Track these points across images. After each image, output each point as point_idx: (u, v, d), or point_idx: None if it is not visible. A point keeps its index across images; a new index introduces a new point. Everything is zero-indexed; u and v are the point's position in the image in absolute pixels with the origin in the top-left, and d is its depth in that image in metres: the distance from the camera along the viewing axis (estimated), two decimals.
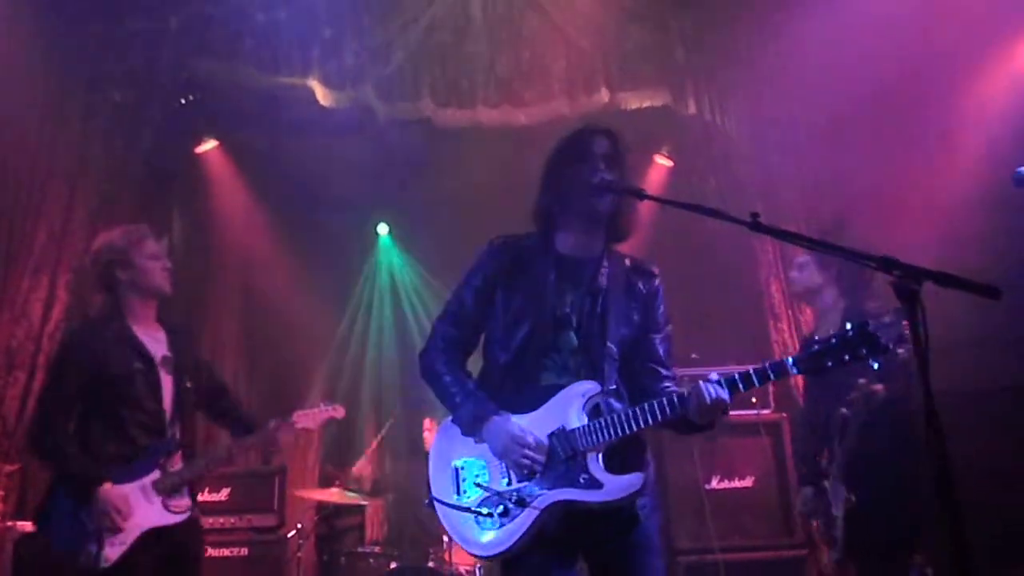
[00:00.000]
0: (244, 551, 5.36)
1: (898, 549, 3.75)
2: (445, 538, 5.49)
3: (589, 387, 2.45)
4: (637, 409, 2.38)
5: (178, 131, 6.17)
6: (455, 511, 2.47)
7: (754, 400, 5.39)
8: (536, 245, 2.61)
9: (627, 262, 2.63)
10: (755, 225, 2.06)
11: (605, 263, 2.59)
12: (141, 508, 3.25)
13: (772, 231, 2.08)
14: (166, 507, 3.32)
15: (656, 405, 2.37)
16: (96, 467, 3.23)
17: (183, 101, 5.96)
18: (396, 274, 8.01)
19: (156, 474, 3.31)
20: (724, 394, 2.32)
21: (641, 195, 2.47)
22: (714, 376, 2.36)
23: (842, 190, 5.72)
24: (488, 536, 2.40)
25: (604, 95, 5.85)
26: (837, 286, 3.95)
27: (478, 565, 5.34)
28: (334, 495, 6.04)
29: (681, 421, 2.40)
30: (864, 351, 2.22)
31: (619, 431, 2.37)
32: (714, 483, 5.28)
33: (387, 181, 7.04)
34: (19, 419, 4.89)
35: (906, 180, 5.32)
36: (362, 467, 6.28)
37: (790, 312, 5.70)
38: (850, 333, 2.24)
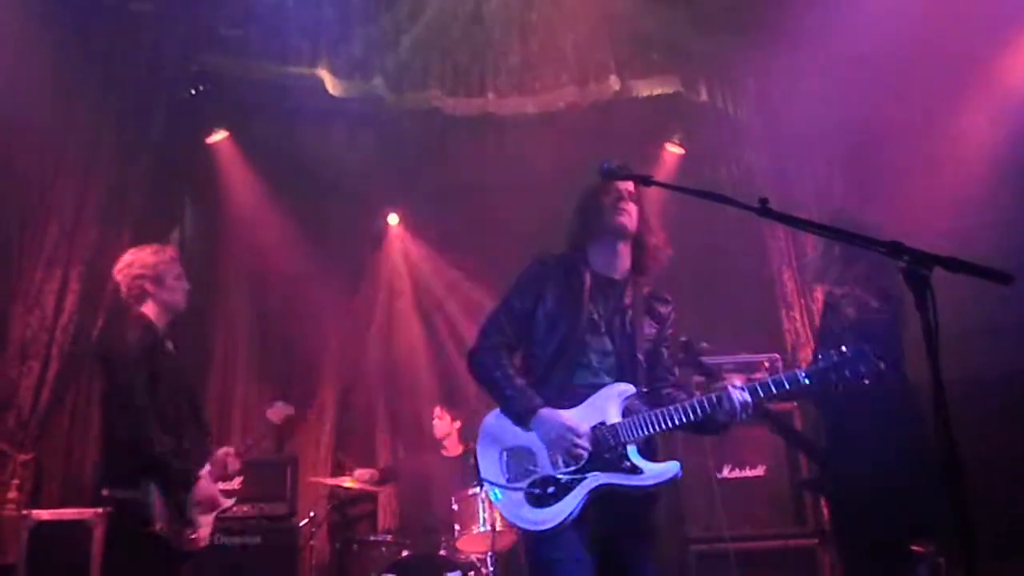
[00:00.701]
0: (257, 539, 5.40)
1: (887, 538, 3.72)
2: (456, 526, 5.51)
3: (625, 388, 2.82)
4: (672, 408, 2.72)
5: (188, 122, 6.18)
6: (507, 491, 2.79)
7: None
8: (573, 260, 2.97)
9: (646, 290, 3.00)
10: (764, 211, 2.05)
11: (630, 287, 2.95)
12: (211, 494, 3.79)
13: (780, 216, 2.06)
14: (222, 492, 3.89)
15: (689, 406, 2.71)
16: (191, 467, 3.70)
17: (192, 92, 5.97)
18: (407, 264, 7.99)
19: (208, 466, 3.81)
20: (748, 397, 2.67)
21: (648, 181, 2.48)
22: (738, 383, 2.71)
23: (854, 180, 5.68)
24: (540, 513, 2.71)
25: (615, 83, 5.82)
26: (842, 267, 3.91)
27: (489, 553, 5.35)
28: (346, 481, 6.07)
29: (705, 421, 2.72)
30: (862, 370, 2.61)
31: (658, 426, 2.71)
32: (725, 472, 5.27)
33: (397, 171, 7.03)
34: (33, 409, 4.94)
35: (919, 170, 5.26)
36: (361, 475, 6.31)
37: (802, 301, 5.67)
38: (849, 354, 2.64)
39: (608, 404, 2.79)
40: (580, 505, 2.66)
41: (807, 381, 2.65)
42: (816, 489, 4.15)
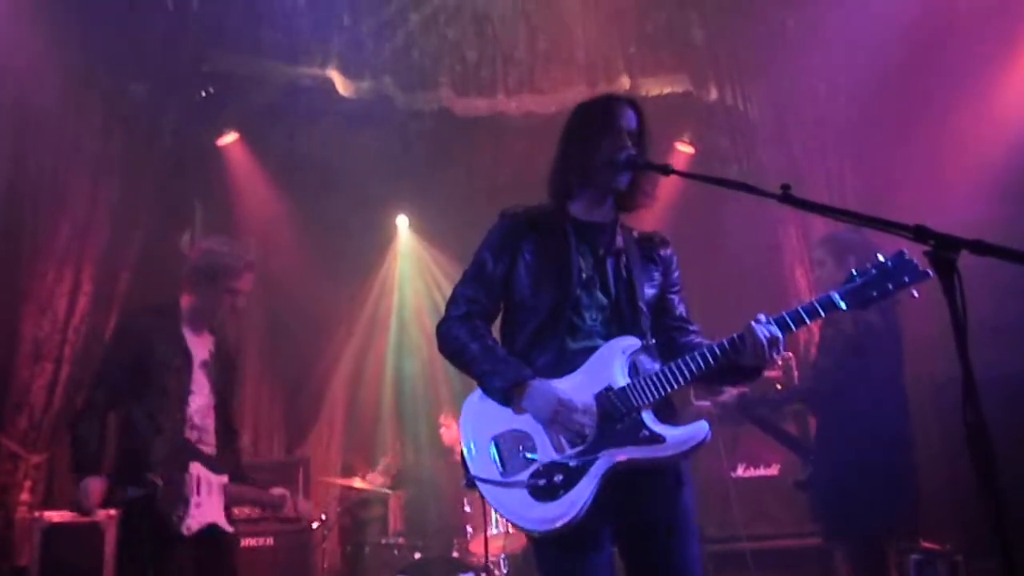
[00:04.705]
0: (269, 541, 5.38)
1: (871, 534, 3.71)
2: (469, 528, 5.49)
3: (630, 342, 2.37)
4: (688, 358, 2.32)
5: (199, 124, 6.18)
6: (503, 488, 2.29)
7: (779, 386, 5.34)
8: (550, 211, 2.54)
9: (635, 233, 2.59)
10: (785, 197, 2.02)
11: (618, 229, 2.54)
12: (211, 501, 3.40)
13: (802, 203, 2.03)
14: (225, 513, 3.47)
15: (708, 352, 2.32)
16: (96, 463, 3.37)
17: (203, 94, 5.98)
18: (416, 267, 7.99)
19: (225, 479, 3.48)
20: (777, 331, 2.27)
21: (668, 171, 2.41)
22: (762, 317, 2.31)
23: (866, 174, 5.64)
24: (548, 509, 2.23)
25: (625, 81, 5.81)
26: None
27: (502, 555, 5.33)
28: (357, 482, 6.06)
29: (728, 368, 2.34)
30: (907, 279, 2.27)
31: (674, 381, 2.31)
32: (739, 471, 5.24)
33: (407, 172, 7.03)
34: (46, 410, 4.93)
35: (934, 163, 5.21)
36: (373, 479, 6.29)
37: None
38: (888, 263, 2.29)
39: (611, 364, 2.34)
40: (593, 491, 2.21)
41: (843, 304, 2.29)
42: (804, 488, 4.14)
